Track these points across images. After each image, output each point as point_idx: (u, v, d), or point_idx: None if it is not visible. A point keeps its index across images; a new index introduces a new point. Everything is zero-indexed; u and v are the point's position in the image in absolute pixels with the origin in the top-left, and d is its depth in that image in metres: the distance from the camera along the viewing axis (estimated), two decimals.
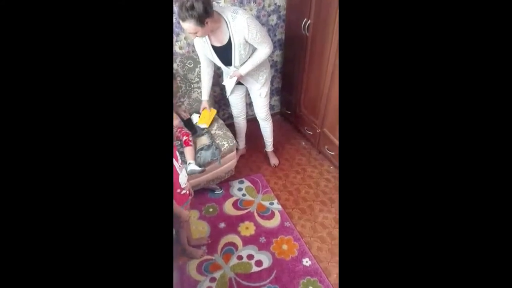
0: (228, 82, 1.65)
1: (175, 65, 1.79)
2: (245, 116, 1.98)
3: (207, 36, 1.45)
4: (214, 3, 1.80)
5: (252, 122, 2.10)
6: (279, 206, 1.78)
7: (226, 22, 1.38)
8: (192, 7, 1.20)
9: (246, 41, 1.43)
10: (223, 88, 2.08)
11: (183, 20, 1.25)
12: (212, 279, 1.40)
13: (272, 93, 2.52)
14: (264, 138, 2.04)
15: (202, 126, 1.76)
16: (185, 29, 1.30)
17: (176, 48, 1.92)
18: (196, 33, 1.31)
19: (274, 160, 2.09)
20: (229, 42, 1.44)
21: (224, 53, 1.50)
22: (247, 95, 1.87)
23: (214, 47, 1.50)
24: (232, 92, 1.79)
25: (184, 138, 1.61)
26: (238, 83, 1.71)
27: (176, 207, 1.17)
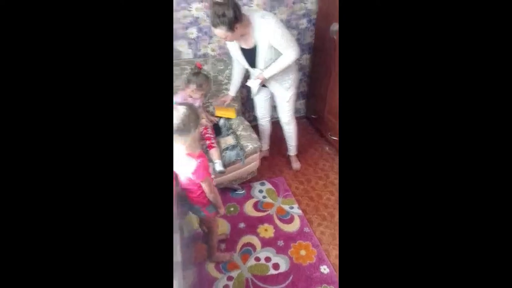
0: (252, 83, 1.67)
1: (206, 67, 1.85)
2: (269, 118, 1.99)
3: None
4: (245, 6, 1.85)
5: (277, 124, 2.11)
6: (299, 211, 1.77)
7: (254, 26, 1.43)
8: (223, 14, 1.28)
9: (271, 45, 1.46)
10: (249, 90, 2.12)
11: (215, 26, 1.33)
12: (229, 278, 1.43)
13: (298, 96, 2.51)
14: (287, 142, 2.03)
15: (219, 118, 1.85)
16: (216, 34, 1.38)
17: (208, 50, 1.98)
18: (226, 38, 1.38)
19: (296, 165, 2.08)
20: (255, 47, 1.49)
21: (251, 55, 1.55)
22: (272, 97, 1.88)
23: (242, 49, 1.55)
24: (257, 93, 1.82)
25: (207, 142, 1.67)
26: (264, 85, 1.73)
27: (219, 198, 1.21)
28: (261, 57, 1.52)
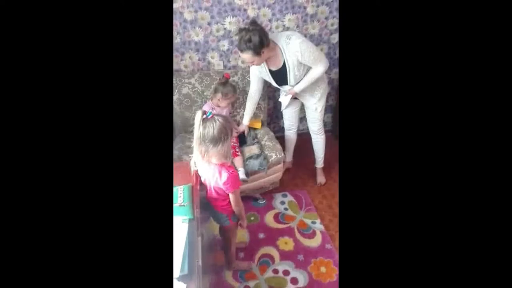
0: (284, 99, 1.73)
1: (235, 78, 1.92)
2: (296, 129, 2.00)
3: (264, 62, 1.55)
4: (273, 28, 1.91)
5: (302, 136, 2.10)
6: (322, 227, 1.72)
7: (281, 48, 1.47)
8: (249, 40, 1.34)
9: (300, 63, 1.50)
10: (276, 102, 2.15)
11: (242, 51, 1.40)
12: (246, 287, 1.41)
13: (326, 109, 2.49)
14: (315, 153, 1.99)
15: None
16: (243, 59, 1.45)
17: (239, 62, 2.06)
18: (253, 62, 1.44)
19: (321, 178, 2.04)
20: (284, 65, 1.53)
21: (280, 75, 1.59)
22: (301, 108, 1.90)
23: (270, 71, 1.60)
24: (287, 106, 1.84)
25: (231, 150, 1.70)
26: (294, 97, 1.75)
27: (243, 211, 1.23)
28: (292, 75, 1.56)
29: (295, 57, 1.47)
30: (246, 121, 1.84)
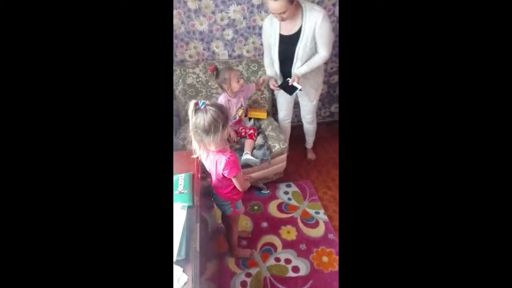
0: (288, 88, 1.66)
1: (240, 67, 1.90)
2: (290, 120, 2.02)
3: (278, 24, 1.52)
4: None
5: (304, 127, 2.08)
6: (325, 217, 1.72)
7: (303, 10, 1.46)
8: None
9: (314, 37, 1.48)
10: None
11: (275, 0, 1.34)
12: (248, 274, 1.44)
13: (334, 100, 2.46)
14: (306, 137, 2.16)
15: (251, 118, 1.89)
16: (273, 9, 1.38)
17: (243, 51, 2.04)
18: (284, 12, 1.38)
19: (311, 155, 2.19)
20: (299, 31, 1.50)
21: (288, 44, 1.55)
22: (296, 102, 1.93)
23: (281, 36, 1.55)
24: (281, 95, 1.83)
25: (251, 132, 1.72)
26: (292, 87, 1.72)
27: (248, 185, 1.25)
28: (302, 46, 1.52)
29: (313, 25, 1.45)
30: (269, 72, 1.75)
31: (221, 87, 1.66)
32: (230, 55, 2.03)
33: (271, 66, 1.73)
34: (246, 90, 1.74)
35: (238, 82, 1.61)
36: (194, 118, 1.00)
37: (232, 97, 1.66)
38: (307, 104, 1.86)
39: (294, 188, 1.93)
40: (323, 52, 1.53)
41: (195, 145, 1.07)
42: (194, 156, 1.12)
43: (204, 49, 1.98)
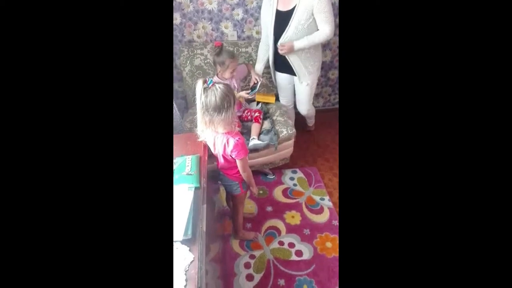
0: (276, 52, 1.62)
1: (249, 49, 1.85)
2: (293, 105, 2.00)
3: (276, 0, 1.51)
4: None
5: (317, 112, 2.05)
6: (330, 204, 1.72)
7: None
8: None
9: (312, 14, 1.45)
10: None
11: None
12: (252, 256, 1.47)
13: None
14: (307, 120, 2.21)
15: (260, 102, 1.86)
16: None
17: (253, 32, 1.98)
18: None
19: (311, 124, 2.24)
20: (294, 8, 1.47)
21: (283, 20, 1.51)
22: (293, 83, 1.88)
23: (277, 12, 1.53)
24: (280, 79, 1.81)
25: (256, 114, 1.70)
26: (288, 71, 1.70)
27: (252, 178, 1.24)
28: (296, 20, 1.48)
29: (311, 1, 1.42)
30: (258, 68, 1.79)
31: (214, 66, 1.62)
32: (239, 36, 1.98)
33: (265, 53, 1.72)
34: (238, 72, 1.66)
35: (231, 72, 1.58)
36: (204, 97, 0.98)
37: (224, 80, 1.62)
38: (299, 87, 1.78)
39: (300, 174, 1.93)
40: (325, 29, 1.49)
41: (201, 127, 1.06)
42: (200, 140, 1.11)
43: (212, 29, 1.93)
